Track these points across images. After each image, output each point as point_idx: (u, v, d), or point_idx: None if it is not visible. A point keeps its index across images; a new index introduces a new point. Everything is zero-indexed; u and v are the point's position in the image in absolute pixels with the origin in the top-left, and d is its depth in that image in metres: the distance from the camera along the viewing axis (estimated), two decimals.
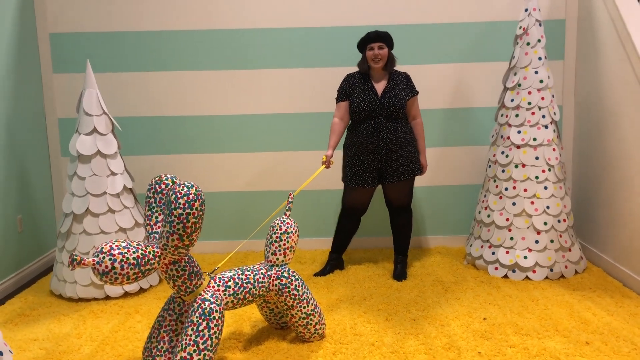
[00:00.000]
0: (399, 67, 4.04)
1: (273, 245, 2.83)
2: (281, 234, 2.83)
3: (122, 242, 2.33)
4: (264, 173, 4.36)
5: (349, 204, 3.83)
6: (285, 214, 2.91)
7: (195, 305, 2.50)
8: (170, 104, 4.30)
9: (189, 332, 2.45)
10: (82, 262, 2.22)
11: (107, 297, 3.55)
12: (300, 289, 2.79)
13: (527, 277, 3.71)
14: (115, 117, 4.27)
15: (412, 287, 3.60)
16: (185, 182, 2.38)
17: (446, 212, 4.44)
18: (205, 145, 4.35)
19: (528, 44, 3.75)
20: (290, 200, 2.94)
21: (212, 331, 2.46)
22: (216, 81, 4.28)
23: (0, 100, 3.73)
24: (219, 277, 2.64)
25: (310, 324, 2.84)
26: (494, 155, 3.90)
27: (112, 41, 4.24)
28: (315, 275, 3.85)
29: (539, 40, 3.74)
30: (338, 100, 3.75)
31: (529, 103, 3.74)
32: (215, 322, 2.48)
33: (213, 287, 2.59)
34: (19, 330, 3.12)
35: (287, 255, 2.84)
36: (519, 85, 3.78)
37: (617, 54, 3.65)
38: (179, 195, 2.34)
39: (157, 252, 2.40)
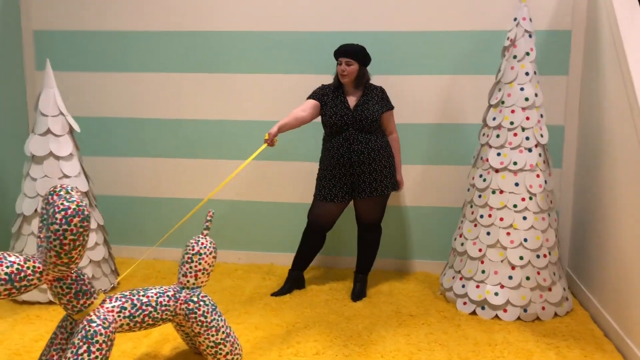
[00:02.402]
0: (380, 78, 3.75)
1: (184, 266, 2.65)
2: (193, 254, 2.64)
3: None
4: (236, 181, 4.18)
5: (315, 218, 3.61)
6: (202, 233, 2.71)
7: (81, 326, 2.35)
8: (153, 105, 4.20)
9: (68, 354, 2.30)
10: None
11: (51, 302, 3.47)
12: (209, 315, 2.59)
13: (496, 316, 3.34)
14: (95, 117, 4.22)
15: (364, 317, 3.32)
16: (69, 196, 2.23)
17: (431, 235, 4.10)
18: (204, 151, 4.21)
19: (515, 57, 3.37)
20: (208, 218, 2.73)
21: (92, 355, 2.30)
22: (200, 84, 4.13)
23: None
24: (116, 297, 2.48)
25: (220, 354, 2.63)
26: (473, 179, 3.55)
27: (96, 40, 4.18)
28: (273, 295, 3.63)
29: (527, 54, 3.35)
30: (308, 98, 3.57)
31: (511, 123, 3.36)
32: (97, 346, 2.32)
33: (106, 308, 2.43)
34: None
35: (199, 277, 2.64)
36: (502, 102, 3.40)
37: (615, 74, 3.20)
38: (57, 210, 2.20)
39: (39, 267, 2.27)
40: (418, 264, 4.12)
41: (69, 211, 2.19)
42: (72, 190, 2.32)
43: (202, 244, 2.66)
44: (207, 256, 2.65)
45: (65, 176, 3.51)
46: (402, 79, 3.93)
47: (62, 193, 2.32)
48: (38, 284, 2.28)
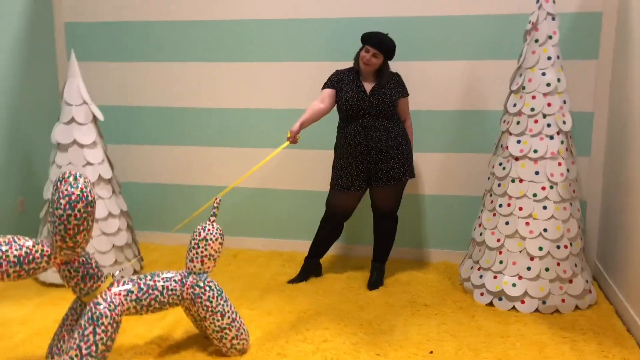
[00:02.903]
0: (401, 64, 3.69)
1: (191, 251, 2.69)
2: (199, 240, 2.68)
3: (7, 238, 2.30)
4: (261, 169, 4.19)
5: (333, 208, 3.60)
6: (210, 219, 2.75)
7: (87, 308, 2.43)
8: (177, 95, 4.27)
9: (75, 335, 2.39)
10: None
11: None
12: (214, 300, 2.63)
13: (514, 307, 3.25)
14: (122, 106, 4.32)
15: (378, 306, 3.30)
16: (73, 182, 2.30)
17: (453, 224, 4.02)
18: (228, 139, 4.26)
19: (536, 41, 3.25)
20: (215, 205, 2.76)
21: (98, 337, 2.38)
22: (225, 73, 4.16)
23: (16, 86, 3.92)
24: (123, 281, 2.55)
25: (226, 338, 2.67)
26: (493, 167, 3.46)
27: (125, 30, 4.27)
28: (289, 282, 3.65)
29: (549, 37, 3.23)
30: (324, 87, 3.54)
31: (532, 109, 3.25)
32: (103, 327, 2.39)
33: (113, 291, 2.50)
34: None
35: (205, 263, 2.68)
36: (523, 88, 3.29)
37: None
38: (62, 195, 2.27)
39: (47, 251, 2.35)
40: (439, 253, 4.06)
41: (73, 197, 2.26)
42: (80, 177, 2.38)
43: (209, 230, 2.70)
44: (213, 242, 2.68)
45: (89, 163, 3.61)
46: (423, 65, 3.85)
47: (70, 179, 2.39)
48: (47, 267, 2.37)
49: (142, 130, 4.36)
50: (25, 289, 3.56)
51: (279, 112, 4.12)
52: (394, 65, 3.62)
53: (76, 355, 2.34)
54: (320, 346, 2.82)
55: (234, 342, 2.69)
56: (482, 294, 3.37)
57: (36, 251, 2.32)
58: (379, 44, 3.38)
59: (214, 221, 2.75)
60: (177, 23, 4.18)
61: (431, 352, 2.76)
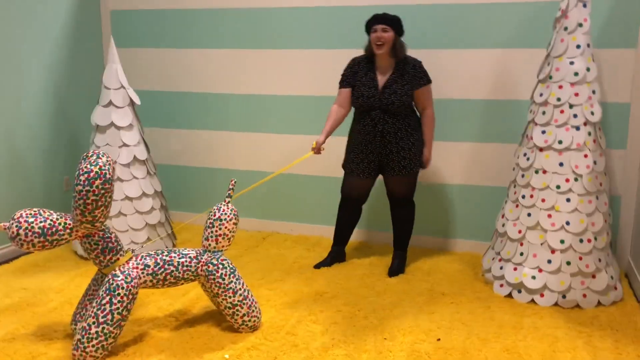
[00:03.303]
0: (430, 52, 3.67)
1: (207, 230, 2.81)
2: (214, 220, 2.79)
3: (34, 211, 2.48)
4: (291, 155, 4.27)
5: (346, 192, 3.67)
6: (225, 200, 2.85)
7: (106, 279, 2.59)
8: (211, 80, 4.41)
9: (94, 304, 2.55)
10: None
11: None
12: (226, 278, 2.74)
13: (533, 300, 3.21)
14: (162, 91, 4.50)
15: (395, 292, 3.33)
16: (93, 160, 2.44)
17: (479, 214, 3.98)
18: (260, 124, 4.36)
19: (566, 28, 3.17)
20: (231, 187, 2.86)
21: (114, 306, 2.53)
22: (259, 60, 4.27)
23: (65, 71, 4.16)
24: (142, 256, 2.69)
25: (237, 315, 2.77)
26: (518, 157, 3.40)
27: (164, 18, 4.43)
28: (315, 267, 3.72)
29: (580, 25, 3.14)
30: (340, 86, 3.55)
31: (558, 99, 3.17)
32: (119, 298, 2.54)
33: (131, 264, 2.65)
34: (20, 279, 3.50)
35: (220, 242, 2.79)
36: (550, 77, 3.22)
37: None
38: (81, 172, 2.43)
39: (69, 224, 2.52)
40: (465, 244, 4.03)
41: (91, 174, 2.41)
42: (102, 156, 2.53)
43: (223, 210, 2.80)
44: (227, 222, 2.79)
45: (125, 145, 3.79)
46: (452, 54, 3.82)
47: (92, 158, 2.53)
48: (69, 239, 2.54)
49: (180, 114, 4.52)
50: (66, 260, 3.80)
51: (310, 99, 4.18)
52: (425, 54, 3.62)
53: (94, 323, 2.51)
54: (329, 328, 2.89)
55: (245, 319, 2.79)
56: (501, 285, 3.33)
57: (59, 224, 2.49)
58: (383, 18, 3.33)
59: (229, 202, 2.85)
60: (213, 11, 4.30)
61: (438, 340, 2.78)
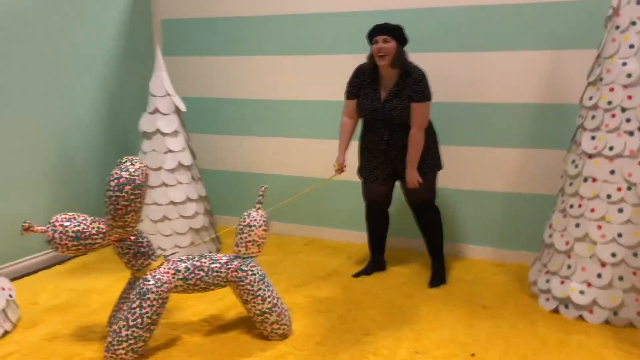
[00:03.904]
0: (475, 55, 3.54)
1: (237, 237, 2.82)
2: (244, 226, 2.79)
3: (69, 215, 2.56)
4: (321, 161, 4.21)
5: (367, 197, 3.62)
6: (255, 207, 2.85)
7: (137, 283, 2.64)
8: (254, 87, 4.44)
9: (125, 307, 2.60)
10: (31, 229, 2.51)
11: None
12: (255, 285, 2.73)
13: (581, 316, 3.02)
14: (208, 97, 4.58)
15: (433, 303, 3.22)
16: (124, 167, 2.50)
17: (529, 224, 3.79)
18: (300, 130, 4.37)
19: (617, 27, 2.97)
20: (261, 193, 2.86)
21: (144, 310, 2.57)
22: (299, 66, 4.26)
23: (117, 79, 4.36)
24: (174, 261, 2.73)
25: (266, 322, 2.76)
26: (566, 164, 3.22)
27: (210, 27, 4.51)
28: (354, 275, 3.66)
29: (633, 23, 2.94)
30: (346, 97, 3.46)
31: (609, 102, 2.98)
32: (149, 302, 2.58)
33: (163, 269, 2.68)
34: (69, 280, 3.64)
35: (250, 248, 2.79)
36: (601, 79, 3.03)
37: None
38: (112, 178, 2.48)
39: (102, 228, 2.58)
40: (514, 254, 3.85)
41: (122, 180, 2.47)
42: (135, 163, 2.59)
43: (253, 217, 2.80)
44: (257, 229, 2.78)
45: (170, 151, 3.88)
46: (498, 56, 3.66)
47: (125, 164, 2.59)
48: (103, 243, 2.60)
49: (223, 120, 4.58)
50: (112, 263, 3.90)
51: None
52: (469, 57, 3.50)
53: (124, 326, 2.56)
54: (361, 338, 2.83)
55: (275, 326, 2.77)
56: (547, 299, 3.16)
57: (93, 228, 2.56)
58: (384, 29, 3.20)
59: (259, 208, 2.85)
60: (255, 18, 4.33)
61: (473, 355, 2.66)
